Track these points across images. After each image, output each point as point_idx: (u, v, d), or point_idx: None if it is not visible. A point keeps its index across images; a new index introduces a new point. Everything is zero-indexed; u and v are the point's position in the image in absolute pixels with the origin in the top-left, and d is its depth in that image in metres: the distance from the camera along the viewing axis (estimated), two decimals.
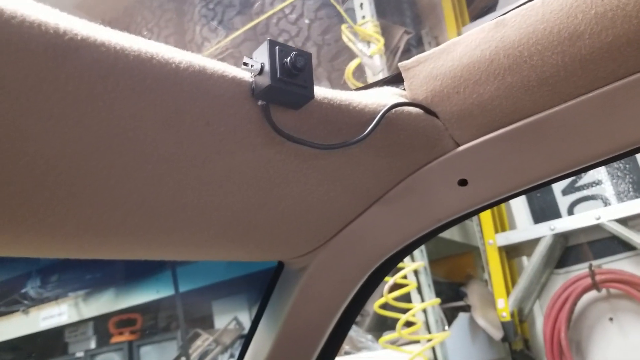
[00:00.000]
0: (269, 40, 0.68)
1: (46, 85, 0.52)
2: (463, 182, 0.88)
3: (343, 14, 3.68)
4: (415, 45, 4.27)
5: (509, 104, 0.78)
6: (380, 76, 3.34)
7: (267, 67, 0.67)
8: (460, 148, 0.86)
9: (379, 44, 3.45)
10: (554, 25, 0.71)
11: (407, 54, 4.00)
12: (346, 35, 3.53)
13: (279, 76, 0.67)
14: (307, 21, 4.06)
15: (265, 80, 0.67)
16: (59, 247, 0.68)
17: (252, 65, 0.68)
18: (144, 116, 0.60)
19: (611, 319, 3.40)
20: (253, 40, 4.29)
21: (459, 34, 3.98)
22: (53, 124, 0.55)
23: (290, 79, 0.68)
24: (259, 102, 0.69)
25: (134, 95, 0.58)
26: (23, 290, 5.23)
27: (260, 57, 0.68)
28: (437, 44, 0.80)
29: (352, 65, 3.38)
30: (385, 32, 3.73)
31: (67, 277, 5.10)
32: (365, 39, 3.51)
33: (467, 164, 0.86)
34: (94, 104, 0.56)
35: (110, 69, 0.56)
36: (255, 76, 0.68)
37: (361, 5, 3.62)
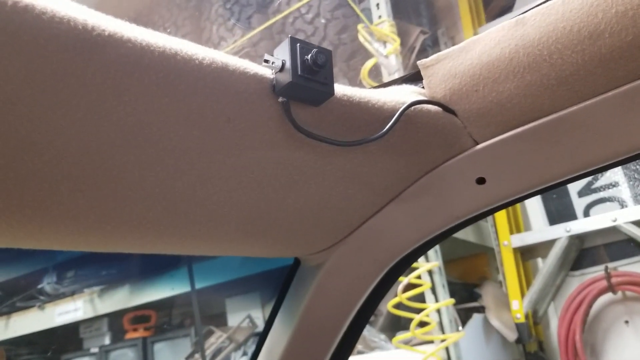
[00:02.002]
0: (291, 37, 0.69)
1: (74, 79, 0.54)
2: (481, 181, 0.88)
3: (359, 13, 3.69)
4: (432, 46, 4.27)
5: (528, 103, 0.78)
6: (396, 76, 3.34)
7: (288, 64, 0.68)
8: (479, 146, 0.86)
9: (395, 43, 3.45)
10: (574, 24, 0.71)
11: (423, 54, 4.00)
12: (362, 35, 3.54)
13: (299, 73, 0.67)
14: (323, 21, 4.07)
15: (286, 77, 0.67)
16: (82, 240, 0.69)
17: (273, 62, 0.69)
18: (167, 111, 0.61)
19: (627, 322, 3.37)
20: (269, 39, 4.30)
21: (475, 34, 3.96)
22: (80, 117, 0.56)
23: (311, 76, 0.68)
24: (280, 99, 0.69)
25: (158, 91, 0.59)
26: (39, 286, 5.28)
27: (282, 54, 0.69)
28: (454, 45, 0.80)
29: (368, 65, 3.38)
30: (401, 32, 3.73)
31: (83, 273, 5.14)
32: (381, 38, 3.52)
33: (486, 162, 0.86)
34: (120, 98, 0.57)
35: (136, 65, 0.57)
36: (276, 73, 0.69)
37: (377, 5, 3.63)
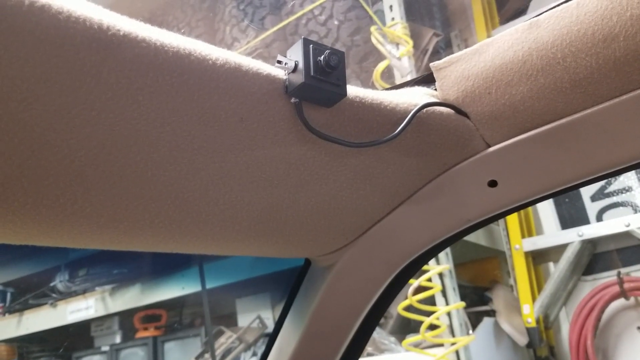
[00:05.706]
0: (304, 38, 0.69)
1: (89, 78, 0.54)
2: (493, 183, 0.88)
3: (372, 15, 3.69)
4: (444, 48, 4.26)
5: (541, 106, 0.78)
6: (409, 78, 3.33)
7: (300, 65, 0.68)
8: (491, 149, 0.85)
9: (408, 46, 3.44)
10: (589, 27, 0.71)
11: (436, 56, 3.99)
12: (375, 37, 3.54)
13: (312, 74, 0.68)
14: (336, 22, 4.08)
15: (298, 78, 0.68)
16: (95, 238, 0.70)
17: (286, 63, 0.69)
18: (180, 111, 0.62)
19: (639, 328, 3.34)
20: (282, 40, 4.31)
21: (488, 37, 3.94)
22: (94, 116, 0.57)
23: (324, 77, 0.69)
24: (292, 100, 0.70)
25: (172, 90, 0.60)
26: (52, 284, 5.32)
27: (295, 55, 0.69)
28: (467, 47, 0.80)
29: (381, 66, 3.38)
30: (414, 34, 3.73)
31: (94, 272, 5.17)
32: (394, 40, 3.51)
33: (498, 165, 0.86)
34: (134, 97, 0.58)
35: (150, 64, 0.58)
36: (289, 74, 0.69)
37: (391, 7, 3.62)
